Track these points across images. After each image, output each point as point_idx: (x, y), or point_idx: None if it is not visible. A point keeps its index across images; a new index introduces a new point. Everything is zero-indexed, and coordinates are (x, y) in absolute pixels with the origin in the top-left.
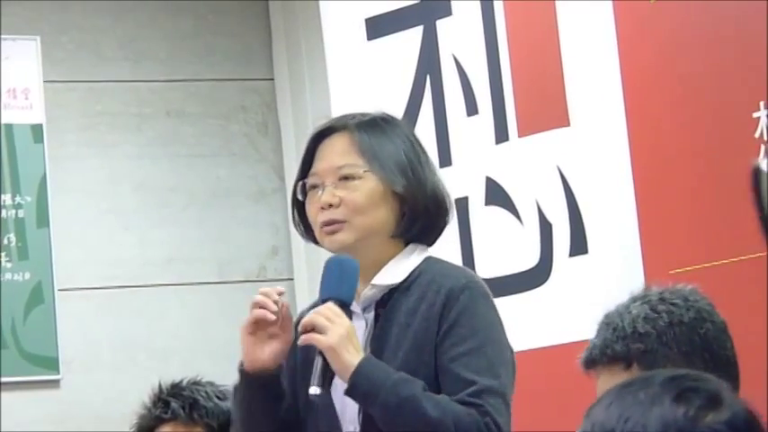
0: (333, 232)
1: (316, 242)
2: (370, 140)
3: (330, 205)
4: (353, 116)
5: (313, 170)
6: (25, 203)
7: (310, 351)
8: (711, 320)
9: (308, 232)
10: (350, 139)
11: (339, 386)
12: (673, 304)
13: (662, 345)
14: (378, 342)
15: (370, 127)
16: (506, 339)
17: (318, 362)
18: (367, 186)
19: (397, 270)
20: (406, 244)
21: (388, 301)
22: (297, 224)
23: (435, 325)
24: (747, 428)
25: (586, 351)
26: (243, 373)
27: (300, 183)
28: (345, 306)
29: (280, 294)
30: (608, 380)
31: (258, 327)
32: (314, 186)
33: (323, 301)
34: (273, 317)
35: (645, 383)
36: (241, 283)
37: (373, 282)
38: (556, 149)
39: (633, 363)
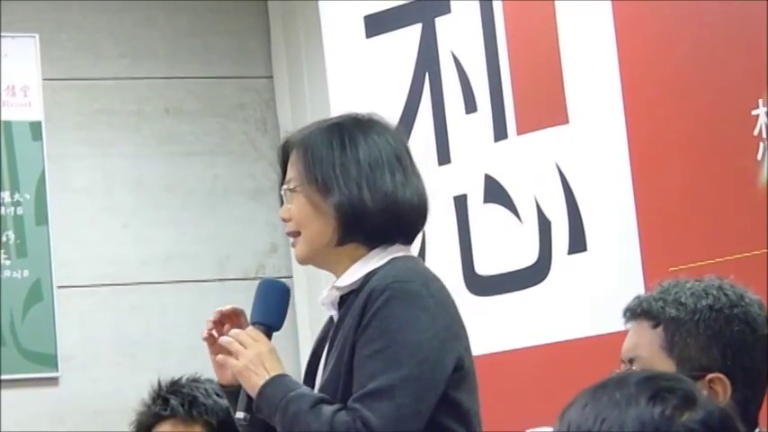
0: (293, 245)
1: None
2: (306, 153)
3: (284, 219)
4: (310, 126)
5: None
6: (24, 201)
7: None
8: (753, 328)
9: None
10: (296, 152)
11: None
12: (725, 294)
13: (691, 320)
14: (330, 344)
15: (315, 137)
16: (426, 339)
17: (243, 388)
18: (300, 200)
19: (354, 273)
20: (374, 246)
21: (346, 302)
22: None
23: (355, 326)
24: (722, 427)
25: (631, 300)
26: (220, 385)
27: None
28: (272, 329)
29: (231, 312)
30: (635, 332)
31: (216, 348)
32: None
33: (253, 324)
34: (205, 334)
35: (620, 384)
36: (240, 280)
37: (334, 285)
38: (554, 147)
39: (661, 324)
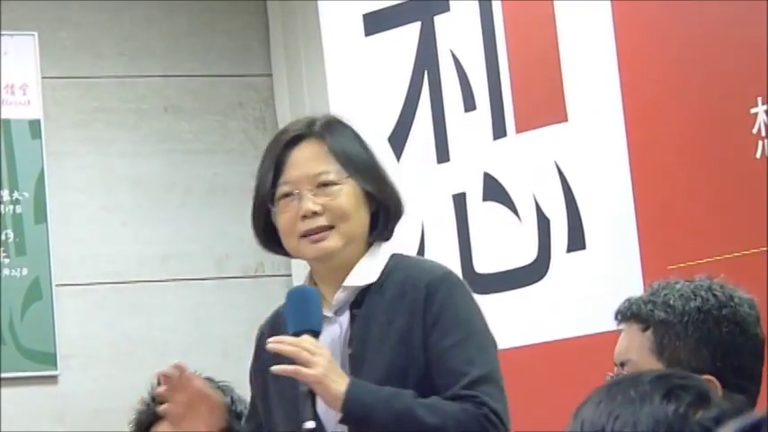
0: (319, 240)
1: (278, 252)
2: (344, 146)
3: (314, 213)
4: (314, 121)
5: (285, 179)
6: (23, 199)
7: (283, 378)
8: (743, 329)
9: (269, 242)
10: (321, 146)
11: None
12: (714, 296)
13: (680, 323)
14: (359, 342)
15: (337, 131)
16: (488, 325)
17: (308, 395)
18: (349, 191)
19: (368, 270)
20: (369, 244)
21: (362, 301)
22: (259, 233)
23: (420, 320)
24: None
25: (622, 303)
26: None
27: (270, 192)
28: (317, 334)
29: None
30: (626, 335)
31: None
32: (286, 195)
33: (295, 334)
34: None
35: (634, 382)
36: (239, 278)
37: (345, 284)
38: (553, 145)
39: (650, 328)
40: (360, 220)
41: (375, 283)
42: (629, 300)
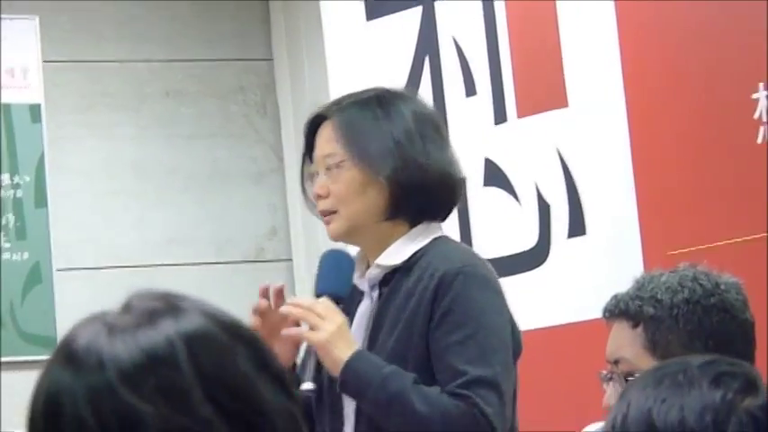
0: (327, 223)
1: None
2: (350, 127)
3: (319, 196)
4: (342, 100)
5: (314, 157)
6: (23, 183)
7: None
8: (732, 315)
9: None
10: (332, 127)
11: None
12: (701, 285)
13: (670, 317)
14: (376, 322)
15: (357, 110)
16: (504, 322)
17: (312, 358)
18: (347, 176)
19: (400, 251)
20: (414, 224)
21: (391, 280)
22: (310, 207)
23: (428, 310)
24: None
25: (609, 300)
26: None
27: (307, 170)
28: (341, 300)
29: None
30: (616, 332)
31: (268, 324)
32: (312, 175)
33: (317, 295)
34: (262, 305)
35: (681, 365)
36: (239, 263)
37: (377, 262)
38: (554, 130)
39: (640, 324)
40: (362, 203)
41: (405, 264)
42: (615, 296)
